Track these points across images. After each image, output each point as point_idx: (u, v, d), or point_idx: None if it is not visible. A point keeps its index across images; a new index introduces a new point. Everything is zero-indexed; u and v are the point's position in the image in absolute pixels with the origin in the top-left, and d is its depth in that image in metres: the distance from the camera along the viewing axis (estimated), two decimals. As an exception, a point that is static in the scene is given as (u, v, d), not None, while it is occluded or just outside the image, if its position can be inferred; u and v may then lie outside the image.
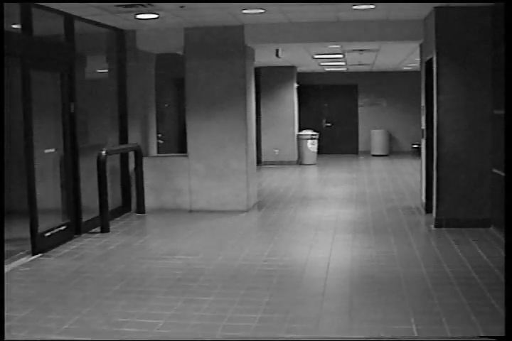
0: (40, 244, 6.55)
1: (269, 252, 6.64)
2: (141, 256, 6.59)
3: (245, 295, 5.16)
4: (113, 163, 8.79)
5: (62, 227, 7.11)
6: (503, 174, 6.50)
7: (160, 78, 10.67)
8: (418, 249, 6.73)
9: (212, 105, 9.02)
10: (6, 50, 5.78)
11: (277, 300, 5.02)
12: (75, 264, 6.25)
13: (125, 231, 7.92)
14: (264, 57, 12.30)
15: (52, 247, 6.77)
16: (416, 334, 4.23)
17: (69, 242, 7.15)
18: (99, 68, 9.26)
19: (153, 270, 6.02)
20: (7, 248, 6.28)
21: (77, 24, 7.55)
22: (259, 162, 15.19)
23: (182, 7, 7.30)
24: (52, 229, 6.87)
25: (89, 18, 7.74)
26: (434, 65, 7.64)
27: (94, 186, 7.70)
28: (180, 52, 9.40)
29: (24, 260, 6.32)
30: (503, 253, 6.01)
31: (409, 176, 13.06)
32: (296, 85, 16.93)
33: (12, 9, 6.14)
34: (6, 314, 4.27)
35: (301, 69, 17.02)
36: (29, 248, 6.51)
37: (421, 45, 9.03)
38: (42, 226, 6.63)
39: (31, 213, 6.47)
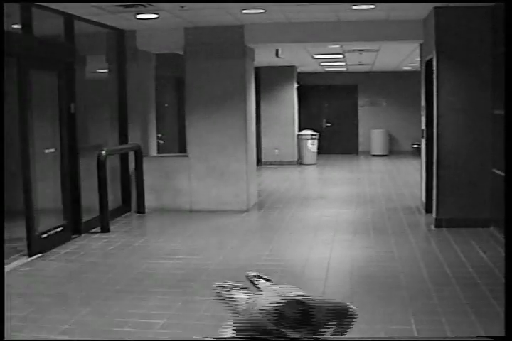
0: (36, 246, 6.53)
1: (269, 252, 6.64)
2: (141, 256, 6.59)
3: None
4: (113, 163, 8.79)
5: (59, 229, 7.08)
6: (503, 174, 6.50)
7: (160, 78, 10.66)
8: (418, 249, 6.73)
9: (212, 105, 9.02)
10: (6, 50, 5.78)
11: (277, 300, 5.01)
12: (75, 264, 6.25)
13: (125, 231, 7.92)
14: (264, 57, 12.29)
15: (49, 248, 6.75)
16: (416, 334, 4.23)
17: (69, 242, 7.15)
18: (99, 68, 9.26)
19: (153, 270, 6.02)
20: (8, 248, 6.28)
21: (77, 24, 7.55)
22: (259, 162, 15.19)
23: (182, 7, 7.30)
24: (49, 230, 6.85)
25: (89, 18, 7.74)
26: (434, 65, 7.64)
27: (95, 186, 7.69)
28: (180, 52, 9.40)
29: (24, 260, 6.32)
30: (503, 253, 6.01)
31: (409, 176, 13.05)
32: (296, 85, 16.93)
33: (12, 9, 6.14)
34: (6, 314, 4.27)
35: (301, 69, 17.01)
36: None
37: (421, 45, 9.03)
38: (39, 228, 6.62)
39: (27, 214, 6.46)
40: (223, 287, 3.80)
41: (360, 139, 19.25)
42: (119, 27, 8.74)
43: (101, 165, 7.69)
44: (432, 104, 7.90)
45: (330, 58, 13.89)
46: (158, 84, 10.39)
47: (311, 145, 16.61)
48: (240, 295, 3.67)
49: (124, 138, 9.14)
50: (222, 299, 3.58)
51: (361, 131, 19.23)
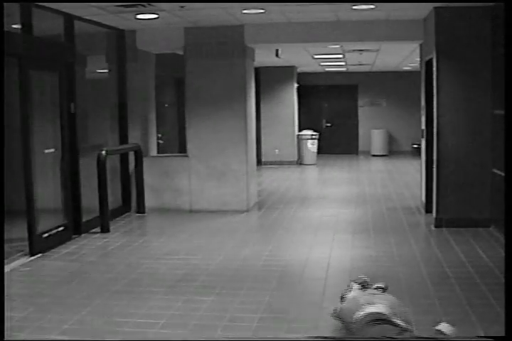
0: (37, 245, 6.54)
1: (269, 252, 6.64)
2: (141, 256, 6.59)
3: (245, 295, 5.16)
4: (113, 163, 8.79)
5: (61, 228, 7.09)
6: (503, 174, 6.50)
7: (160, 78, 10.66)
8: (418, 249, 6.73)
9: (212, 105, 9.02)
10: (6, 50, 5.78)
11: (277, 300, 5.02)
12: (75, 264, 6.25)
13: (125, 231, 7.92)
14: (264, 57, 12.30)
15: (50, 248, 6.76)
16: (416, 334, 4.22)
17: (69, 242, 7.15)
18: (99, 68, 9.26)
19: (153, 270, 6.02)
20: (8, 248, 6.29)
21: (77, 24, 7.55)
22: (259, 162, 15.19)
23: (182, 7, 7.30)
24: (50, 229, 6.86)
25: (89, 18, 7.74)
26: (434, 65, 7.64)
27: (95, 186, 7.69)
28: (180, 52, 9.40)
29: (24, 260, 6.32)
30: (503, 253, 6.01)
31: (409, 176, 13.06)
32: (296, 85, 16.93)
33: (12, 9, 6.14)
34: (6, 314, 4.27)
35: (301, 69, 17.01)
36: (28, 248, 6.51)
37: (421, 45, 9.03)
38: (40, 227, 6.62)
39: (29, 214, 6.47)
40: (356, 282, 3.99)
41: (360, 139, 19.26)
42: (119, 27, 8.74)
43: (101, 165, 7.69)
44: (431, 104, 7.90)
45: (330, 58, 13.89)
46: (158, 84, 10.39)
47: (311, 146, 16.60)
48: (351, 293, 3.84)
49: (124, 138, 9.14)
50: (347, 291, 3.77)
51: (361, 131, 19.23)
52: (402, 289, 5.27)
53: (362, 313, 3.02)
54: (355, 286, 4.41)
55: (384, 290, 4.48)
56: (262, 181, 12.79)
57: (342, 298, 3.99)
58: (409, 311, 2.99)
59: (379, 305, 2.98)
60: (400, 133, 18.89)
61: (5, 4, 5.57)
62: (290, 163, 16.45)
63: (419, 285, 5.40)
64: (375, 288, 4.42)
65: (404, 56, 13.34)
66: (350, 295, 3.68)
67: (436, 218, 7.74)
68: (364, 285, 4.47)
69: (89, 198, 7.76)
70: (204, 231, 7.83)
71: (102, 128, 9.26)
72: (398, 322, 2.91)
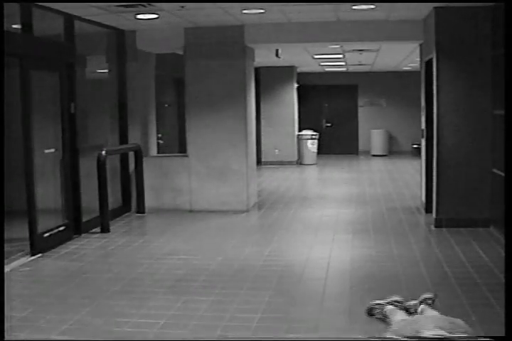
0: (38, 245, 6.54)
1: (269, 252, 6.64)
2: (141, 256, 6.59)
3: (245, 295, 5.16)
4: (113, 163, 8.78)
5: (61, 228, 7.10)
6: (503, 174, 6.50)
7: (160, 78, 10.66)
8: (418, 248, 6.73)
9: (212, 105, 9.02)
10: (6, 50, 5.78)
11: (277, 300, 5.02)
12: (75, 264, 6.25)
13: (125, 231, 7.92)
14: (264, 57, 12.30)
15: (50, 248, 6.76)
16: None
17: (69, 242, 7.15)
18: (99, 68, 9.26)
19: (153, 270, 6.02)
20: (7, 248, 6.28)
21: (77, 24, 7.55)
22: (259, 162, 15.18)
23: (182, 7, 7.30)
24: (51, 229, 6.86)
25: (89, 18, 7.74)
26: (434, 65, 7.64)
27: (95, 186, 7.69)
28: (180, 52, 9.40)
29: (24, 260, 6.32)
30: (503, 253, 6.01)
31: (409, 176, 13.06)
32: (296, 85, 16.93)
33: (12, 9, 6.14)
34: (6, 314, 4.27)
35: (301, 69, 17.01)
36: (29, 248, 6.50)
37: (421, 45, 9.03)
38: (41, 227, 6.62)
39: (30, 213, 6.47)
40: (380, 304, 3.96)
41: (360, 139, 19.26)
42: (119, 27, 8.74)
43: (101, 165, 7.69)
44: (431, 104, 7.90)
45: (330, 58, 13.89)
46: (158, 84, 10.39)
47: (311, 146, 16.60)
48: (397, 317, 3.80)
49: (124, 138, 9.14)
50: (382, 318, 3.72)
51: (361, 131, 19.23)
52: (402, 289, 5.27)
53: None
54: (389, 307, 4.34)
55: (434, 300, 4.41)
56: (262, 181, 12.79)
57: (385, 318, 3.96)
58: (452, 319, 2.95)
59: (428, 332, 2.91)
60: (400, 133, 18.88)
61: (5, 4, 5.57)
62: (290, 163, 16.44)
63: (419, 285, 5.39)
64: (424, 299, 4.32)
65: (404, 56, 13.34)
66: (393, 321, 3.63)
67: (436, 218, 7.74)
68: (399, 304, 4.40)
69: (89, 198, 7.76)
70: (204, 231, 7.83)
71: (102, 129, 9.26)
72: (455, 335, 2.87)
